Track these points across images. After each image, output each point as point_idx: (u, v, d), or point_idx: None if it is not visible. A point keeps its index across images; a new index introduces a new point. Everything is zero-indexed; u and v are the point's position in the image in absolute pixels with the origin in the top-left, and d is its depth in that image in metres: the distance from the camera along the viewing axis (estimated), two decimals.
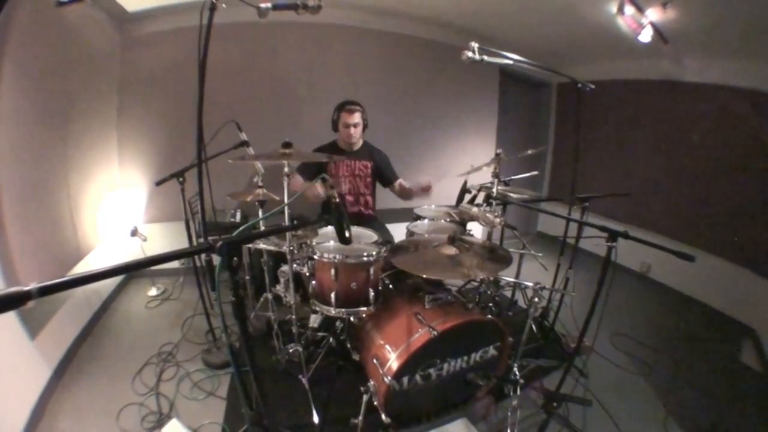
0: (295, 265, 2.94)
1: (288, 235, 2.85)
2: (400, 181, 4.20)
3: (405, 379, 2.62)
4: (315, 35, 5.06)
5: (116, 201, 4.67)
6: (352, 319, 3.12)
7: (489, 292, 3.97)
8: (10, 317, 2.70)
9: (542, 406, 2.83)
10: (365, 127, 3.97)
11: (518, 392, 2.77)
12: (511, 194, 3.56)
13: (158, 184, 3.28)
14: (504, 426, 2.74)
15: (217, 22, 2.16)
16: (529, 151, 3.58)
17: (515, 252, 3.30)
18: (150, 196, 4.97)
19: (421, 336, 2.53)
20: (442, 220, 3.76)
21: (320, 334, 3.44)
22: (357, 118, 3.83)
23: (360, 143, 4.07)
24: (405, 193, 4.11)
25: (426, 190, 3.80)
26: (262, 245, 3.11)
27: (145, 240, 4.54)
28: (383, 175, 4.15)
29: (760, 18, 3.55)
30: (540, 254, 3.53)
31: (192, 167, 2.92)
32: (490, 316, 2.80)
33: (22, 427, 2.57)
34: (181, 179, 3.23)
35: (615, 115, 6.07)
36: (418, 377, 2.65)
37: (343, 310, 2.81)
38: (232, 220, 4.41)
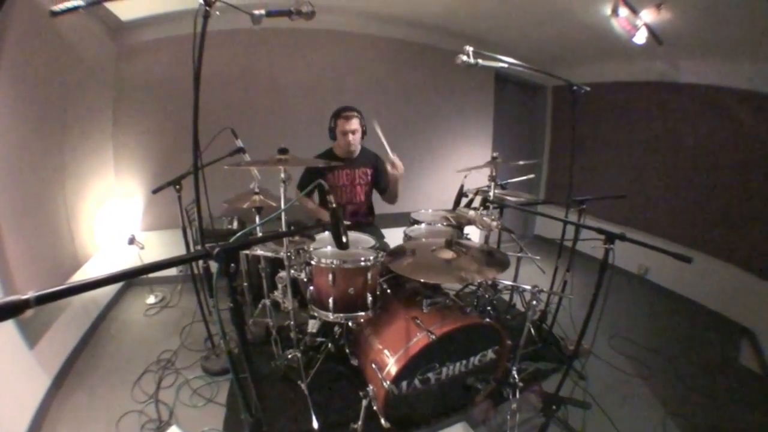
0: (292, 271, 2.93)
1: (285, 241, 2.85)
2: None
3: (404, 384, 2.62)
4: (310, 41, 5.08)
5: (113, 209, 4.67)
6: (350, 324, 3.11)
7: (487, 296, 3.96)
8: (9, 326, 2.70)
9: (541, 409, 2.84)
10: (364, 133, 3.87)
11: (517, 395, 2.77)
12: (508, 197, 3.56)
13: (155, 191, 3.28)
14: (503, 429, 2.75)
15: (212, 30, 2.17)
16: (521, 162, 3.58)
17: (513, 255, 3.31)
18: (147, 204, 4.98)
19: (419, 340, 2.53)
20: (439, 224, 3.75)
21: (319, 339, 3.43)
22: (355, 124, 3.73)
23: (358, 150, 3.96)
24: (391, 193, 3.99)
25: (394, 168, 3.62)
26: (259, 251, 3.10)
27: (142, 248, 4.54)
28: (380, 183, 4.06)
29: (754, 18, 3.56)
30: (537, 257, 3.52)
31: (188, 175, 2.93)
32: (488, 320, 2.80)
33: None
34: (177, 187, 3.22)
35: (610, 117, 6.09)
36: (417, 381, 2.65)
37: (341, 315, 2.81)
38: (229, 227, 4.41)
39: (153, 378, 3.35)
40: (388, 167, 3.63)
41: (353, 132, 3.74)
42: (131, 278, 3.63)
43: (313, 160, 3.63)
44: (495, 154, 3.29)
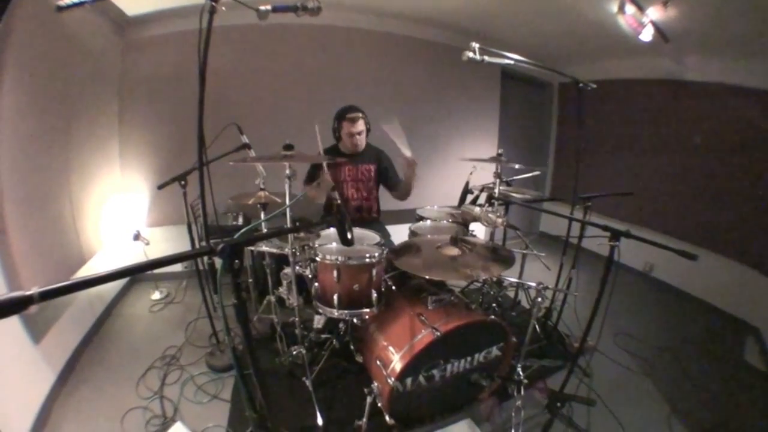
0: (297, 268, 2.94)
1: (290, 237, 2.85)
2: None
3: (408, 381, 2.62)
4: (315, 37, 5.07)
5: (118, 205, 4.69)
6: (355, 320, 3.11)
7: (492, 293, 3.96)
8: (14, 322, 2.71)
9: (546, 406, 2.83)
10: (368, 131, 3.84)
11: (522, 392, 2.76)
12: (514, 194, 3.56)
13: (160, 187, 3.28)
14: (508, 426, 2.73)
15: (218, 25, 2.16)
16: (527, 175, 3.55)
17: (518, 252, 3.30)
18: (152, 199, 4.99)
19: (424, 337, 2.53)
20: (445, 221, 3.75)
21: (323, 336, 3.43)
22: (360, 125, 3.72)
23: (363, 147, 3.92)
24: (404, 190, 3.92)
25: (411, 166, 3.68)
26: (264, 248, 3.11)
27: (147, 244, 4.55)
28: (387, 179, 4.02)
29: (761, 15, 3.54)
30: (543, 254, 3.52)
31: (193, 170, 2.93)
32: (493, 317, 2.79)
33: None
34: (182, 183, 3.23)
35: (617, 114, 6.05)
36: (421, 378, 2.65)
37: (346, 311, 2.81)
38: (234, 223, 4.41)
39: (158, 374, 3.36)
40: (405, 168, 3.63)
41: (359, 133, 3.73)
42: (136, 274, 3.62)
43: (319, 156, 3.63)
44: (500, 151, 3.28)
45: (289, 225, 2.76)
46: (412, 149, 3.52)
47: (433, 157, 5.94)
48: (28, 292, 0.87)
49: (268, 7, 2.34)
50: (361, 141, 3.80)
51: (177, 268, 5.07)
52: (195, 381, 3.28)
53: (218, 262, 1.32)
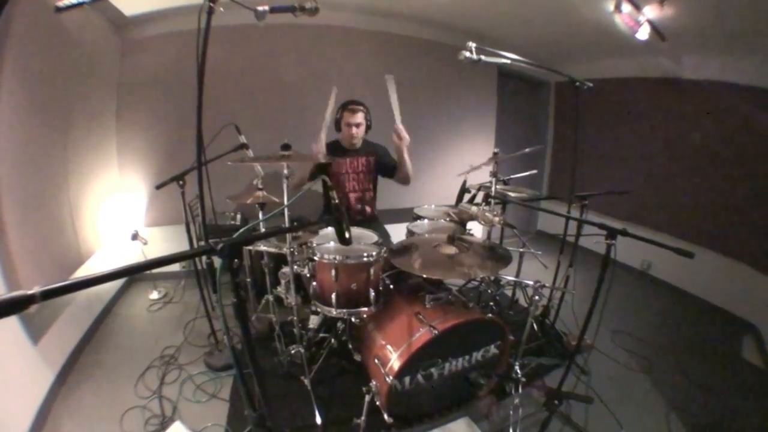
0: (295, 267, 2.94)
1: (288, 236, 2.85)
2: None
3: (407, 379, 2.63)
4: (313, 37, 5.07)
5: (116, 205, 4.68)
6: (353, 319, 3.12)
7: (489, 291, 3.97)
8: (13, 322, 2.71)
9: (544, 404, 2.84)
10: (369, 127, 3.89)
11: (520, 390, 2.77)
12: (511, 193, 3.56)
13: (158, 187, 3.28)
14: (506, 424, 2.74)
15: (216, 25, 2.16)
16: (527, 150, 3.54)
17: (515, 251, 3.31)
18: (150, 199, 4.98)
19: (422, 335, 2.54)
20: (442, 220, 3.75)
21: (322, 335, 3.44)
22: (359, 117, 3.77)
23: (361, 142, 3.96)
24: (402, 170, 3.93)
25: (400, 138, 3.66)
26: (262, 247, 3.11)
27: (145, 243, 4.55)
28: (385, 166, 4.04)
29: (757, 13, 3.55)
30: (540, 253, 3.53)
31: (192, 170, 2.93)
32: (490, 315, 2.80)
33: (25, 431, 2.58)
34: (181, 182, 3.22)
35: (614, 113, 6.06)
36: (419, 377, 2.66)
37: (344, 310, 2.81)
38: (233, 222, 4.41)
39: (156, 374, 3.36)
40: (394, 137, 3.64)
41: (357, 125, 3.77)
42: (135, 274, 3.63)
43: (316, 156, 3.64)
44: (497, 150, 3.28)
45: (287, 224, 2.76)
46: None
47: (430, 156, 5.94)
48: (29, 292, 0.88)
49: (266, 8, 2.34)
50: (358, 134, 3.82)
51: (175, 267, 5.07)
52: (194, 380, 3.28)
53: (217, 261, 1.32)
